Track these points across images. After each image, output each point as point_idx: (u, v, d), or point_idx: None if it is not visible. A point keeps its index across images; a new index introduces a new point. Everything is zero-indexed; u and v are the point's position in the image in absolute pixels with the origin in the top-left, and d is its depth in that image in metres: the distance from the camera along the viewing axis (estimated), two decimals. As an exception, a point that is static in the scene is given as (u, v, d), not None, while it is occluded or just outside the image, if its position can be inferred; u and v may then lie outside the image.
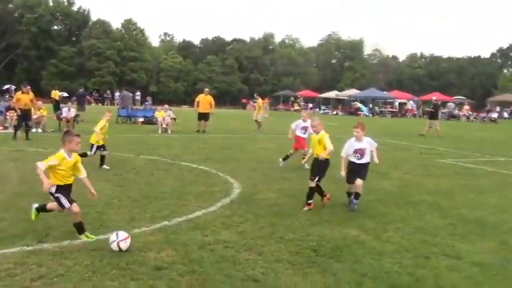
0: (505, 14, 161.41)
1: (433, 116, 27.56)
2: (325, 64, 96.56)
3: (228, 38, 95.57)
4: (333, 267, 5.57)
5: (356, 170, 8.57)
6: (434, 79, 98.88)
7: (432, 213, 8.48)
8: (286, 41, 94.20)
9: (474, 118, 52.82)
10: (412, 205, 8.99)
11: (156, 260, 5.58)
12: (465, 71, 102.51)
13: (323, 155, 8.41)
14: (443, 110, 56.67)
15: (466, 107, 56.86)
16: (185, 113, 33.17)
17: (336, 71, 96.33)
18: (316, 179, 8.44)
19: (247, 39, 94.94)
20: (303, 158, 10.76)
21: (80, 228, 6.23)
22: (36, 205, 6.71)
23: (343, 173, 8.65)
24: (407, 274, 5.45)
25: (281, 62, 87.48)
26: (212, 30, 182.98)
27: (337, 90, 74.10)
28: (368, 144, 8.80)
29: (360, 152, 8.65)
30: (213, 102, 24.58)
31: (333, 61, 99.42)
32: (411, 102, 62.06)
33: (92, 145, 11.87)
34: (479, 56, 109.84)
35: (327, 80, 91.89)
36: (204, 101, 24.23)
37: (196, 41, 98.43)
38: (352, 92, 66.90)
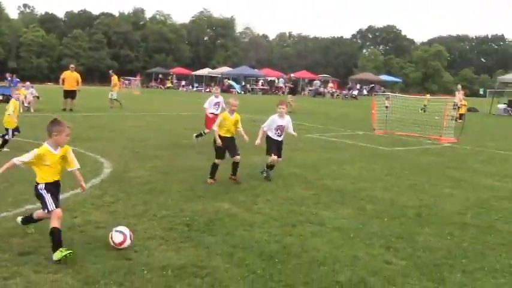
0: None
1: (292, 91, 29.00)
2: (197, 41, 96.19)
3: (96, 11, 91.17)
4: (205, 241, 5.72)
5: (278, 147, 9.24)
6: (302, 58, 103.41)
7: (299, 184, 9.00)
8: (157, 16, 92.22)
9: (337, 95, 56.24)
10: (281, 178, 9.45)
11: (20, 245, 5.30)
12: (329, 50, 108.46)
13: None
14: (310, 88, 59.68)
15: (330, 84, 60.29)
16: (50, 91, 31.22)
17: (209, 48, 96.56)
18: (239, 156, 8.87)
19: (116, 14, 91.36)
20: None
21: (57, 241, 5.01)
22: (20, 218, 5.80)
23: (258, 141, 9.21)
24: (275, 242, 5.77)
25: (152, 38, 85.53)
26: (78, 3, 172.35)
27: (210, 68, 74.42)
28: (287, 122, 9.34)
29: (281, 129, 9.25)
30: (79, 79, 23.36)
31: (205, 38, 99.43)
32: (281, 79, 64.34)
33: (7, 129, 11.34)
34: (341, 37, 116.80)
35: (200, 57, 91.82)
36: (70, 77, 22.95)
37: (61, 14, 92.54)
38: (225, 69, 67.63)
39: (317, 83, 61.01)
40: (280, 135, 9.27)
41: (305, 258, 5.33)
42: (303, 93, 59.84)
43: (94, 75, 78.76)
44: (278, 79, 64.56)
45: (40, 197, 5.33)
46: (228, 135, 9.03)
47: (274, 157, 9.13)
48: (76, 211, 6.62)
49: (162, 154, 11.55)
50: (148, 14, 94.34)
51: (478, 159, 12.99)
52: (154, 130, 16.33)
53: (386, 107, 19.57)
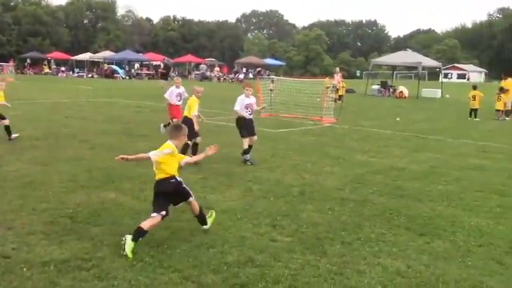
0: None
1: (164, 76, 28.76)
2: (76, 24, 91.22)
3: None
4: (90, 232, 5.55)
5: (250, 125, 9.98)
6: (187, 42, 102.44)
7: (187, 169, 8.91)
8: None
9: (224, 79, 56.62)
10: (168, 164, 9.36)
11: None
12: (215, 34, 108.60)
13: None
14: (197, 72, 59.45)
15: (217, 68, 60.50)
16: None
17: (89, 31, 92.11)
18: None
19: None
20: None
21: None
22: (129, 236, 5.07)
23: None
24: (164, 229, 5.73)
25: (26, 20, 79.53)
26: None
27: (91, 52, 71.08)
28: (254, 100, 10.15)
29: (251, 107, 9.95)
30: None
31: (85, 21, 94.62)
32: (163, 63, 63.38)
33: None
34: (226, 21, 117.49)
35: (80, 41, 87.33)
36: None
37: None
38: (107, 53, 64.92)
39: (203, 67, 60.94)
40: (251, 114, 9.97)
41: (194, 242, 5.40)
42: (189, 77, 59.45)
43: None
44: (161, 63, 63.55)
45: (184, 189, 5.62)
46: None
47: (253, 137, 10.00)
48: None
49: (41, 144, 10.93)
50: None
51: (354, 138, 13.86)
52: (32, 119, 15.36)
53: (271, 90, 20.07)
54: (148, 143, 11.71)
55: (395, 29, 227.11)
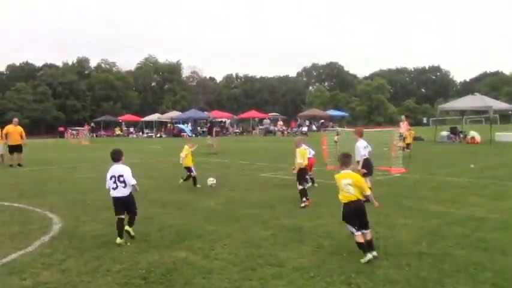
0: (308, 36, 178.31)
1: (209, 131, 29.11)
2: (145, 87, 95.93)
3: (38, 63, 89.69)
4: (163, 293, 5.54)
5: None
6: (249, 98, 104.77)
7: (256, 225, 8.93)
8: (103, 65, 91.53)
9: (287, 132, 56.98)
10: (237, 220, 9.36)
11: None
12: (276, 89, 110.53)
13: None
14: (261, 127, 60.25)
15: (280, 122, 61.10)
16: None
17: (157, 93, 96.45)
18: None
19: (60, 65, 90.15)
20: None
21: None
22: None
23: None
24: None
25: (99, 86, 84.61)
26: (19, 56, 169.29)
27: (159, 113, 74.09)
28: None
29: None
30: (23, 133, 22.60)
31: (153, 84, 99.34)
32: (228, 120, 64.89)
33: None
34: (287, 75, 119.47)
35: (149, 103, 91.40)
36: (14, 132, 22.17)
37: (2, 68, 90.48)
38: (174, 113, 67.45)
39: (267, 121, 61.73)
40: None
41: (267, 302, 5.25)
42: (253, 132, 60.34)
43: (40, 127, 76.87)
44: (227, 120, 65.09)
45: None
46: None
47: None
48: (25, 272, 6.30)
49: (114, 205, 11.22)
50: (93, 63, 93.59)
51: (427, 187, 13.33)
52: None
53: (336, 141, 19.87)
54: (217, 199, 11.83)
55: (461, 73, 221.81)
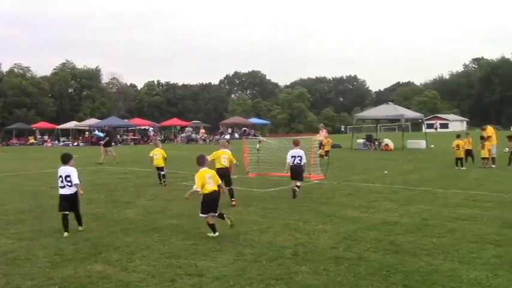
0: (229, 43, 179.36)
1: (106, 143, 28.10)
2: (61, 94, 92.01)
3: None
4: (77, 309, 5.31)
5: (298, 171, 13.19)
6: (172, 105, 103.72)
7: (176, 235, 8.80)
8: (15, 70, 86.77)
9: (209, 140, 56.84)
10: (157, 230, 9.18)
11: None
12: (199, 96, 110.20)
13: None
14: (183, 135, 59.65)
15: (202, 130, 60.87)
16: None
17: (74, 100, 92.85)
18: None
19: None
20: None
21: None
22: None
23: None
24: (154, 301, 5.53)
25: (11, 92, 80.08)
26: None
27: (77, 120, 71.35)
28: (302, 151, 13.38)
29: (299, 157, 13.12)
30: None
31: (70, 90, 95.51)
32: (151, 128, 63.74)
33: None
34: (210, 83, 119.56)
35: (65, 110, 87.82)
36: None
37: None
38: (93, 121, 65.18)
39: (189, 129, 61.30)
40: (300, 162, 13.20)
41: (186, 313, 5.17)
42: (175, 140, 59.68)
43: None
44: (149, 128, 63.95)
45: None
46: None
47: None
48: None
49: (26, 218, 10.67)
50: (4, 68, 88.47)
51: (344, 193, 13.78)
52: (17, 192, 15.11)
53: (258, 149, 20.10)
54: (136, 209, 11.55)
55: (376, 83, 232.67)
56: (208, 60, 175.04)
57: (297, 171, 13.19)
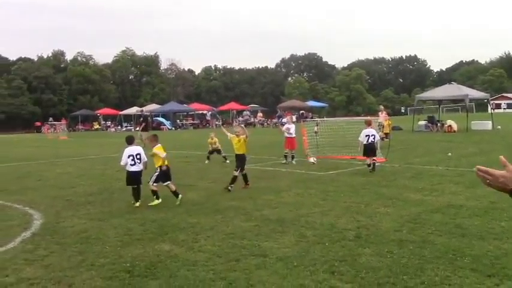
0: (285, 27, 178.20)
1: (144, 128, 28.55)
2: (122, 80, 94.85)
3: (12, 57, 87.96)
4: (148, 286, 5.56)
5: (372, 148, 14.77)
6: (229, 90, 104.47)
7: (239, 217, 8.98)
8: (79, 58, 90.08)
9: (267, 124, 57.04)
10: (220, 212, 9.39)
11: None
12: (256, 81, 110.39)
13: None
14: (240, 119, 60.17)
15: (260, 114, 61.13)
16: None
17: (135, 86, 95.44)
18: (239, 170, 11.80)
19: (35, 58, 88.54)
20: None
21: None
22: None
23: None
24: (220, 279, 5.70)
25: (75, 80, 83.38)
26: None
27: (138, 106, 73.37)
28: (374, 130, 15.23)
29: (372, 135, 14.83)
30: None
31: (131, 77, 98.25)
32: (209, 113, 64.69)
33: None
34: (266, 67, 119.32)
35: (127, 97, 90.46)
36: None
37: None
38: (153, 107, 66.92)
39: (247, 113, 61.72)
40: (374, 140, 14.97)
41: (252, 292, 5.30)
42: (233, 124, 60.25)
43: (16, 122, 75.49)
44: (207, 112, 64.89)
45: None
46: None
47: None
48: (7, 269, 6.25)
49: (95, 200, 11.18)
50: (69, 56, 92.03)
51: (406, 176, 13.52)
52: (85, 175, 15.81)
53: (316, 132, 19.99)
54: (198, 192, 11.84)
55: (437, 63, 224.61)
56: (264, 44, 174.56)
57: (371, 149, 14.77)
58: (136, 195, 10.34)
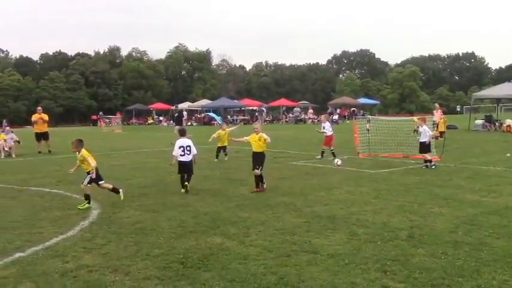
0: (337, 23, 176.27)
1: (178, 122, 28.79)
2: (175, 76, 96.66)
3: (71, 52, 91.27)
4: (201, 277, 5.67)
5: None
6: (280, 86, 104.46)
7: (289, 213, 9.00)
8: (134, 54, 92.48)
9: (318, 121, 56.63)
10: (270, 208, 9.44)
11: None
12: (306, 77, 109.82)
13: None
14: (291, 115, 60.09)
15: (310, 110, 60.79)
16: (30, 134, 30.82)
17: (187, 82, 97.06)
18: (260, 168, 11.17)
19: (92, 54, 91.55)
20: None
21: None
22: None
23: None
24: (271, 274, 5.74)
25: (130, 75, 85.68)
26: (52, 46, 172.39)
27: (190, 101, 74.63)
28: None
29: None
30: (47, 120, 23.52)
31: (183, 72, 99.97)
32: (259, 108, 64.87)
33: None
34: (317, 63, 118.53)
35: (179, 92, 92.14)
36: (41, 120, 22.96)
37: (36, 57, 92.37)
38: (204, 102, 67.88)
39: (297, 110, 61.52)
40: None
41: (303, 288, 5.31)
42: (282, 120, 60.24)
43: (73, 115, 78.42)
44: (258, 108, 65.13)
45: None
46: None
47: None
48: (67, 256, 6.52)
49: (149, 192, 11.47)
50: (124, 52, 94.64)
51: (462, 176, 13.13)
52: (139, 168, 16.24)
53: (368, 130, 19.72)
54: (249, 186, 11.93)
55: (496, 61, 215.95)
56: (315, 40, 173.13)
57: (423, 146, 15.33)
58: (183, 182, 11.27)
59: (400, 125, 22.20)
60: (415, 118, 18.76)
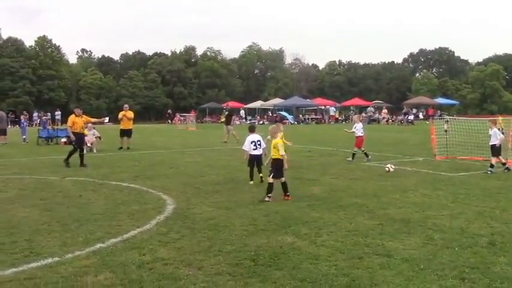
0: (414, 20, 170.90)
1: (228, 121, 28.65)
2: (248, 75, 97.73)
3: (149, 52, 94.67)
4: (272, 275, 5.69)
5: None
6: (353, 85, 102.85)
7: (362, 215, 8.84)
8: (208, 53, 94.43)
9: (392, 121, 55.30)
10: (343, 208, 9.32)
11: (94, 284, 5.45)
12: (381, 76, 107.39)
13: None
14: (364, 115, 59.02)
15: (385, 110, 59.44)
16: (110, 130, 32.34)
17: (259, 81, 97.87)
18: (272, 175, 10.24)
19: (169, 53, 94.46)
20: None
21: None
22: None
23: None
24: (343, 275, 5.67)
25: (204, 74, 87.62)
26: (132, 46, 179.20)
27: (262, 100, 75.19)
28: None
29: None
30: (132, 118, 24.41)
31: (256, 71, 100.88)
32: (333, 108, 64.18)
33: None
34: (393, 62, 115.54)
35: (251, 90, 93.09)
36: (125, 117, 23.88)
37: (116, 57, 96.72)
38: (276, 101, 68.13)
39: (371, 109, 60.35)
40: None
41: (376, 292, 5.20)
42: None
43: (150, 113, 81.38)
44: (330, 107, 64.49)
45: None
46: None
47: None
48: (144, 248, 6.76)
49: (222, 189, 11.67)
50: (199, 51, 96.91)
51: (549, 182, 12.35)
52: (211, 165, 16.57)
53: (446, 131, 18.97)
54: (321, 186, 11.85)
55: None
56: (391, 39, 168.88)
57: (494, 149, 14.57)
58: (252, 175, 12.32)
59: (481, 127, 21.18)
60: (500, 118, 17.89)
